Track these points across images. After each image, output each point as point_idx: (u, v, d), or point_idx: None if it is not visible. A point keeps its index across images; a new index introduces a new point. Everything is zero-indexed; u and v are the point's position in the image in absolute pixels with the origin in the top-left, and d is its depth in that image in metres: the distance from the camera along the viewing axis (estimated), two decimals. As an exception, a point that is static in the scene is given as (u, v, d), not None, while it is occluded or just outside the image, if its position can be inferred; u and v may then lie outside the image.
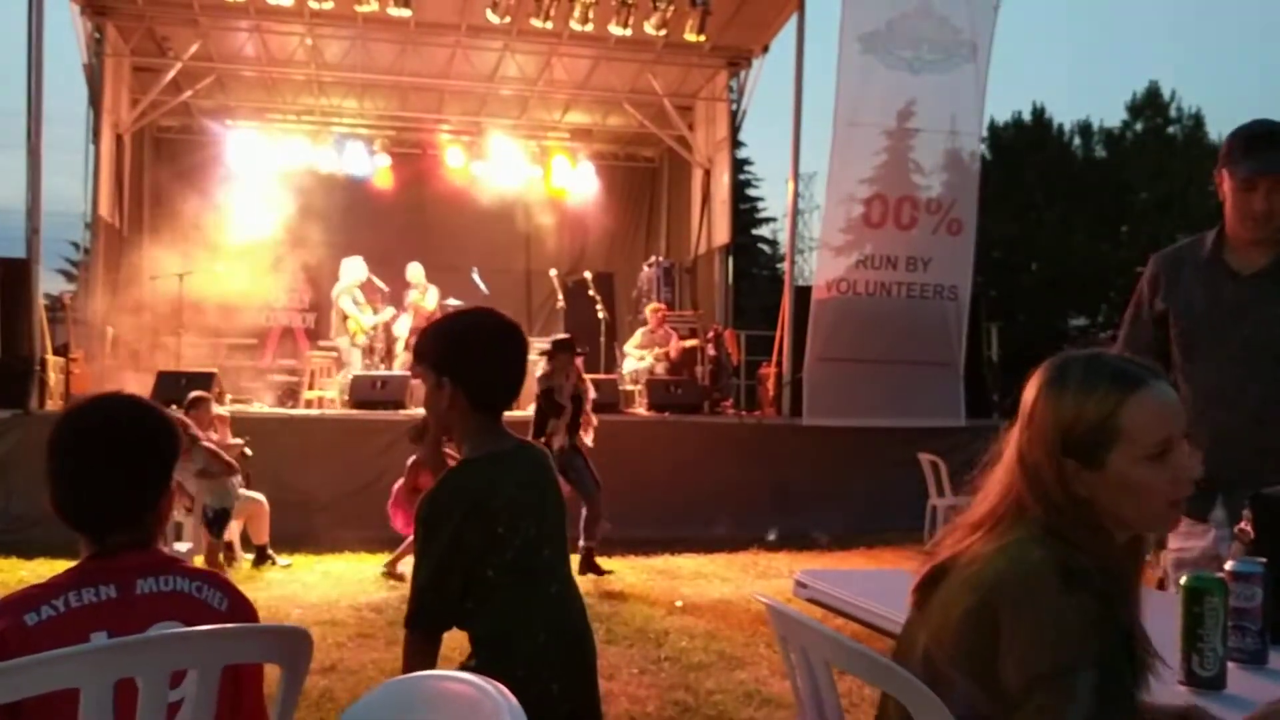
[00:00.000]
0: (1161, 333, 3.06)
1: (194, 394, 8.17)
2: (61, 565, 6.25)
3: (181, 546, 6.51)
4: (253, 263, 13.46)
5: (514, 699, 1.26)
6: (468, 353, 2.31)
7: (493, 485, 2.23)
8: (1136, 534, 1.75)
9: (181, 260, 12.97)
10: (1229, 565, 2.18)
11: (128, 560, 1.86)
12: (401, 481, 7.68)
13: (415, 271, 12.12)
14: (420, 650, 2.18)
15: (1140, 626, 1.69)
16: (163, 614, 1.78)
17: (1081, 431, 1.67)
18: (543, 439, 7.62)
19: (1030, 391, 1.74)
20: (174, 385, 9.23)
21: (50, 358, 9.82)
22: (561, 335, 8.12)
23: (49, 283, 14.13)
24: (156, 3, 11.50)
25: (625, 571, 8.09)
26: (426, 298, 12.02)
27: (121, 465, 1.88)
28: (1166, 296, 3.05)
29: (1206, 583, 2.06)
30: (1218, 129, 34.85)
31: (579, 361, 8.18)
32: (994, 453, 1.79)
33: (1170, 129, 34.85)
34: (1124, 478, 1.65)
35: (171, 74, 12.51)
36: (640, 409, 11.21)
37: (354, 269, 11.79)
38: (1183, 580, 2.10)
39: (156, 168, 14.19)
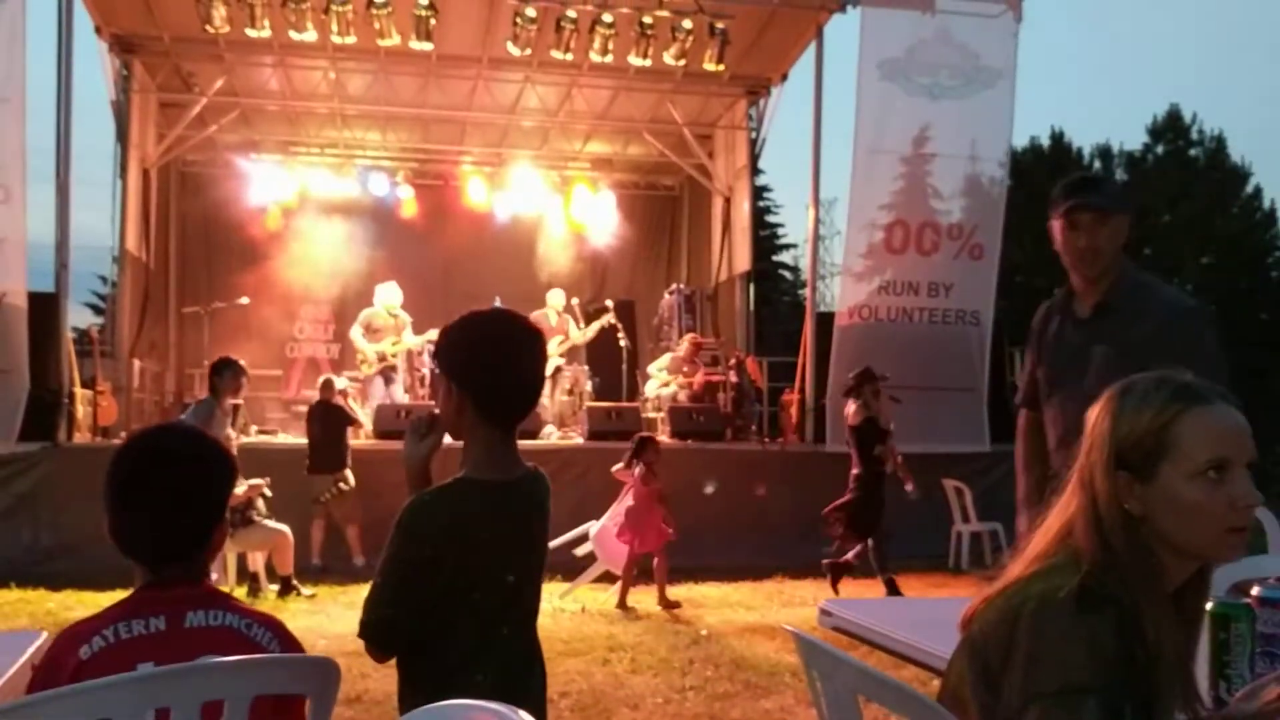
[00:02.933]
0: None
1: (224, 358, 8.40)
2: (89, 596, 6.33)
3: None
4: (277, 294, 13.60)
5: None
6: (477, 358, 2.16)
7: (486, 514, 2.09)
8: (1200, 568, 1.69)
9: (207, 293, 13.11)
10: (1255, 590, 2.16)
11: (180, 592, 1.89)
12: (625, 506, 7.79)
13: (557, 297, 12.28)
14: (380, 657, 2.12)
15: (1185, 668, 1.65)
16: (209, 649, 1.79)
17: (1135, 441, 1.63)
18: (878, 467, 8.22)
19: (1094, 411, 1.72)
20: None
21: (78, 390, 9.91)
22: (862, 368, 8.68)
23: (77, 316, 14.32)
24: (182, 40, 11.67)
25: (649, 601, 8.07)
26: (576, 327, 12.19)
27: (178, 500, 1.91)
28: (1036, 344, 3.38)
29: (1233, 609, 2.04)
30: (1240, 151, 34.68)
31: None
32: (1060, 486, 1.74)
33: (1192, 151, 34.77)
34: (1175, 494, 1.60)
35: (197, 109, 12.68)
36: (663, 436, 11.20)
37: (379, 294, 11.84)
38: (1209, 606, 2.09)
39: (183, 202, 14.36)
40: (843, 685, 1.87)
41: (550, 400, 11.89)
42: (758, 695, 5.47)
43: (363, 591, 2.11)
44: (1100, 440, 1.67)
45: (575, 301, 12.90)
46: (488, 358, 2.16)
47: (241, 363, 8.31)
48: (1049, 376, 3.28)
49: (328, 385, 9.69)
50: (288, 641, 1.94)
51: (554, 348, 11.85)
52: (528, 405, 2.22)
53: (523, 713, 1.30)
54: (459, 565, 2.05)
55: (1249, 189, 34.32)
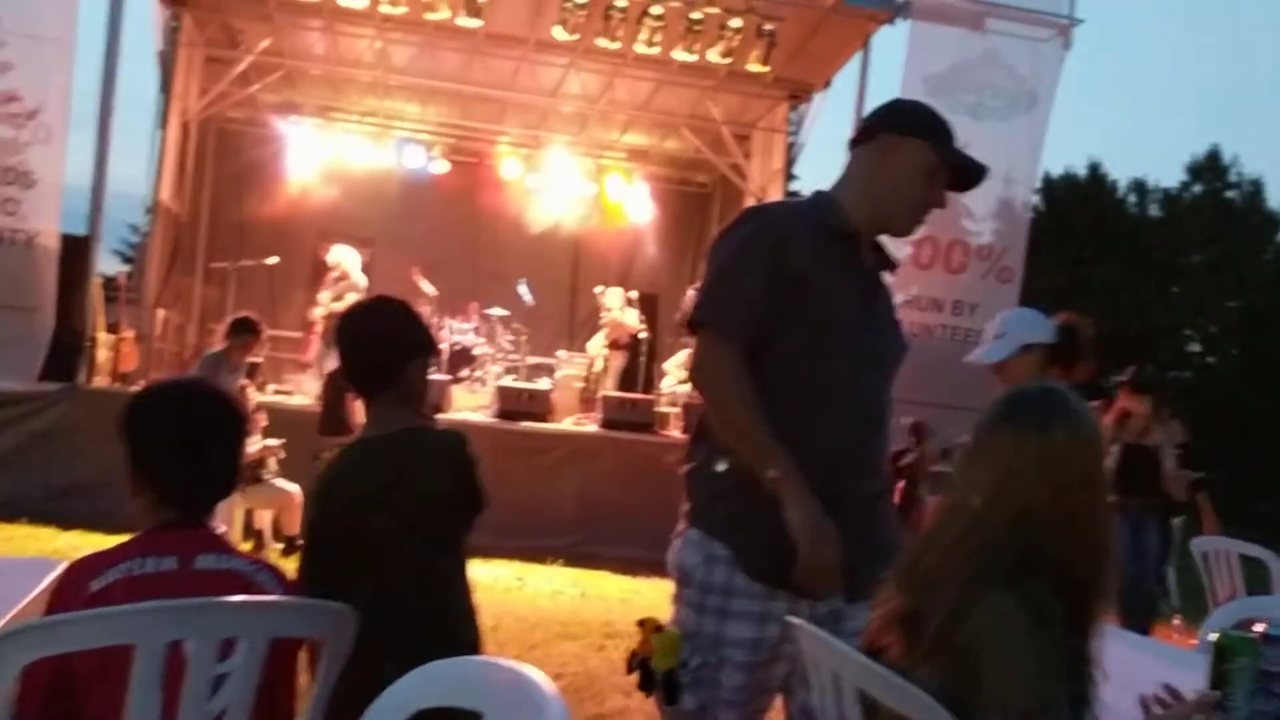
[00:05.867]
0: (784, 308, 2.40)
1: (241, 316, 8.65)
2: (97, 538, 6.39)
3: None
4: (304, 257, 13.66)
5: (555, 688, 1.30)
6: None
7: (342, 476, 2.43)
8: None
9: (236, 250, 13.19)
10: (1258, 627, 2.18)
11: (190, 534, 1.96)
12: None
13: (614, 296, 12.76)
14: None
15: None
16: (218, 591, 1.83)
17: None
18: None
19: None
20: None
21: (101, 335, 9.98)
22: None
23: (106, 263, 14.42)
24: (233, -4, 11.73)
25: (650, 593, 8.09)
26: (625, 314, 12.60)
27: (199, 445, 2.02)
28: (810, 267, 2.42)
29: (1238, 642, 2.06)
30: (1278, 197, 34.35)
31: None
32: None
33: (1229, 193, 34.51)
34: None
35: (242, 66, 12.71)
36: (675, 431, 11.21)
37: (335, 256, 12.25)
38: (1212, 637, 2.11)
39: (220, 158, 14.40)
40: (846, 681, 1.89)
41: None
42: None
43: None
44: None
45: (599, 289, 12.96)
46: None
47: (260, 324, 8.44)
48: (830, 324, 2.47)
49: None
50: (291, 590, 2.02)
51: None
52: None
53: (541, 673, 1.34)
54: (335, 519, 2.38)
55: (1282, 238, 34.07)
